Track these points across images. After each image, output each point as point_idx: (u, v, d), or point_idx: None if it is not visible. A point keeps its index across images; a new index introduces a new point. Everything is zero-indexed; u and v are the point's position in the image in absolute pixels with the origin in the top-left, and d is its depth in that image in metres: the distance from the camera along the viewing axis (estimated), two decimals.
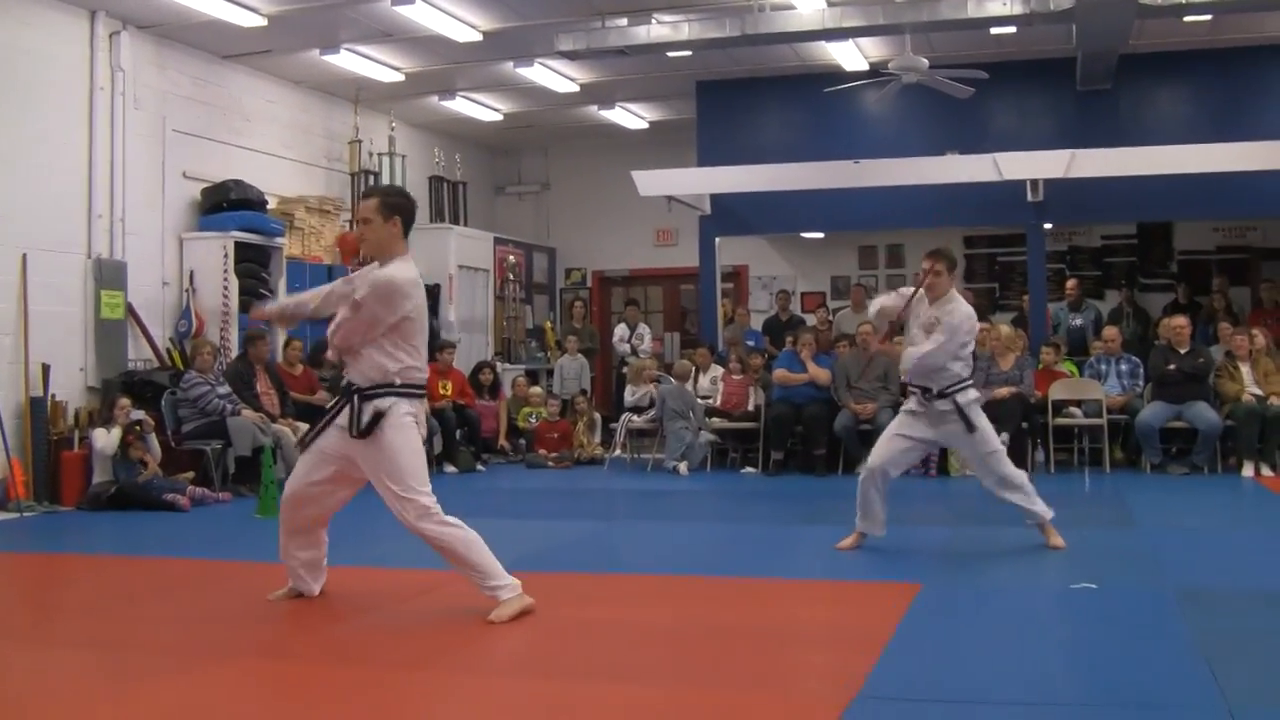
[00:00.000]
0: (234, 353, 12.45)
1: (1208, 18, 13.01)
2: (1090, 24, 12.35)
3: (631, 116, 17.15)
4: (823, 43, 13.68)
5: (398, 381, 5.75)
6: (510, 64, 14.24)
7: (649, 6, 12.60)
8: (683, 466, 12.95)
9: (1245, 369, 12.43)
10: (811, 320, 15.48)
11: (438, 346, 13.94)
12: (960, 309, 7.60)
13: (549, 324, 18.05)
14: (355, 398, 5.73)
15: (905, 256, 17.67)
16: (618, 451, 14.13)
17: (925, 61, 12.63)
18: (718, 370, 13.86)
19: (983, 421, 7.66)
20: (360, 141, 15.56)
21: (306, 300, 6.44)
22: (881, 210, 14.93)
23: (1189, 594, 6.26)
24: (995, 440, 7.80)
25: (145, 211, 12.40)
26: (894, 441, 7.80)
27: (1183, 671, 4.82)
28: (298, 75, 14.54)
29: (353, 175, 15.45)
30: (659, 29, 12.59)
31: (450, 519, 5.73)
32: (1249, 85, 14.60)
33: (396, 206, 5.87)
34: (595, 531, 9.27)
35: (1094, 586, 6.49)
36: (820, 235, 17.37)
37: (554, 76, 14.74)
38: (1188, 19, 12.96)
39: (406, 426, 5.75)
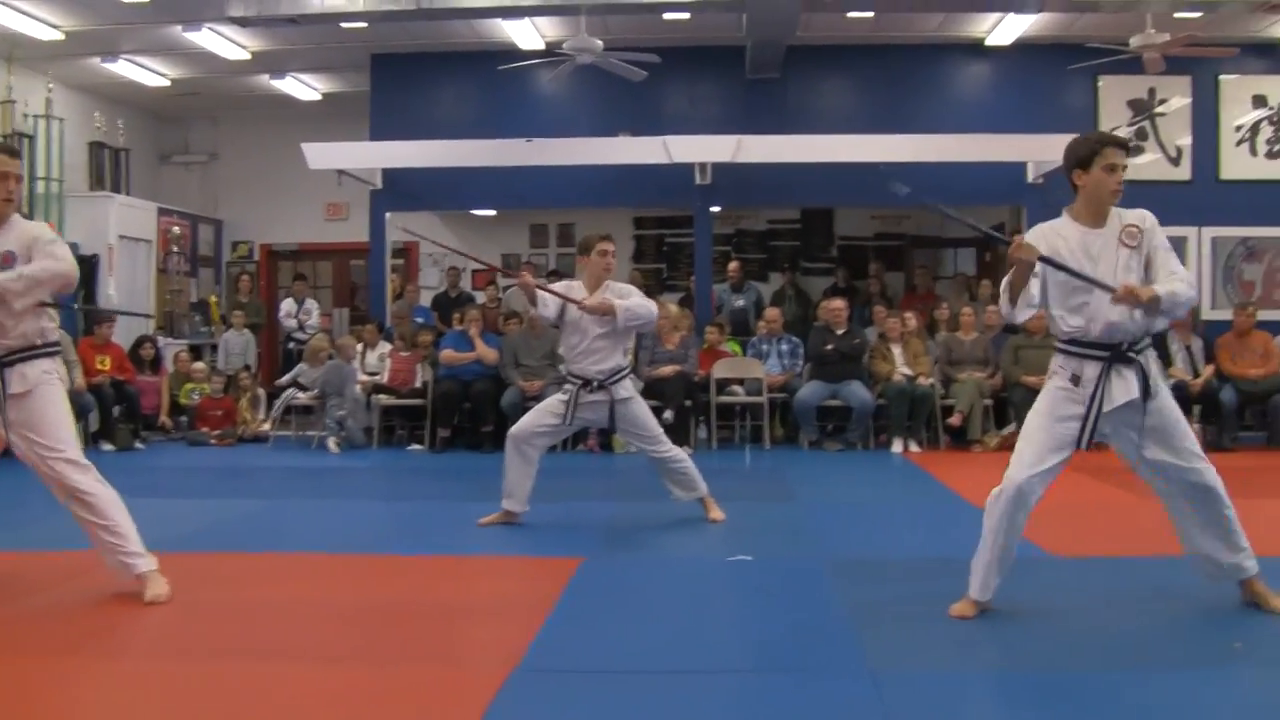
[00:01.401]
0: None
1: (870, 14, 13.63)
2: (760, 14, 12.72)
3: (304, 87, 16.78)
4: (499, 20, 13.69)
5: (40, 341, 5.53)
6: (178, 27, 13.65)
7: None
8: (333, 443, 12.80)
9: (897, 350, 13.02)
10: (481, 298, 15.47)
11: (96, 319, 13.38)
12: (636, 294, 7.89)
13: (214, 298, 17.49)
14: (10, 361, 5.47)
15: (576, 235, 17.79)
16: (268, 427, 13.80)
17: (600, 43, 12.76)
18: (385, 347, 13.71)
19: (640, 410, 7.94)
20: (13, 102, 14.72)
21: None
22: (554, 189, 15.00)
23: (840, 564, 6.54)
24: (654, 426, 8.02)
25: None
26: (542, 416, 7.96)
27: (832, 637, 5.07)
28: None
29: (3, 138, 14.59)
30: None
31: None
32: (907, 80, 15.31)
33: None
34: (258, 510, 9.01)
35: (750, 558, 6.69)
36: (492, 213, 17.37)
37: (224, 43, 14.26)
38: (851, 14, 13.56)
39: (56, 383, 5.55)
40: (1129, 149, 5.29)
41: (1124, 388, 5.14)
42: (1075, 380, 5.20)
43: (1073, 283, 5.13)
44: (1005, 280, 5.26)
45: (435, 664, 4.73)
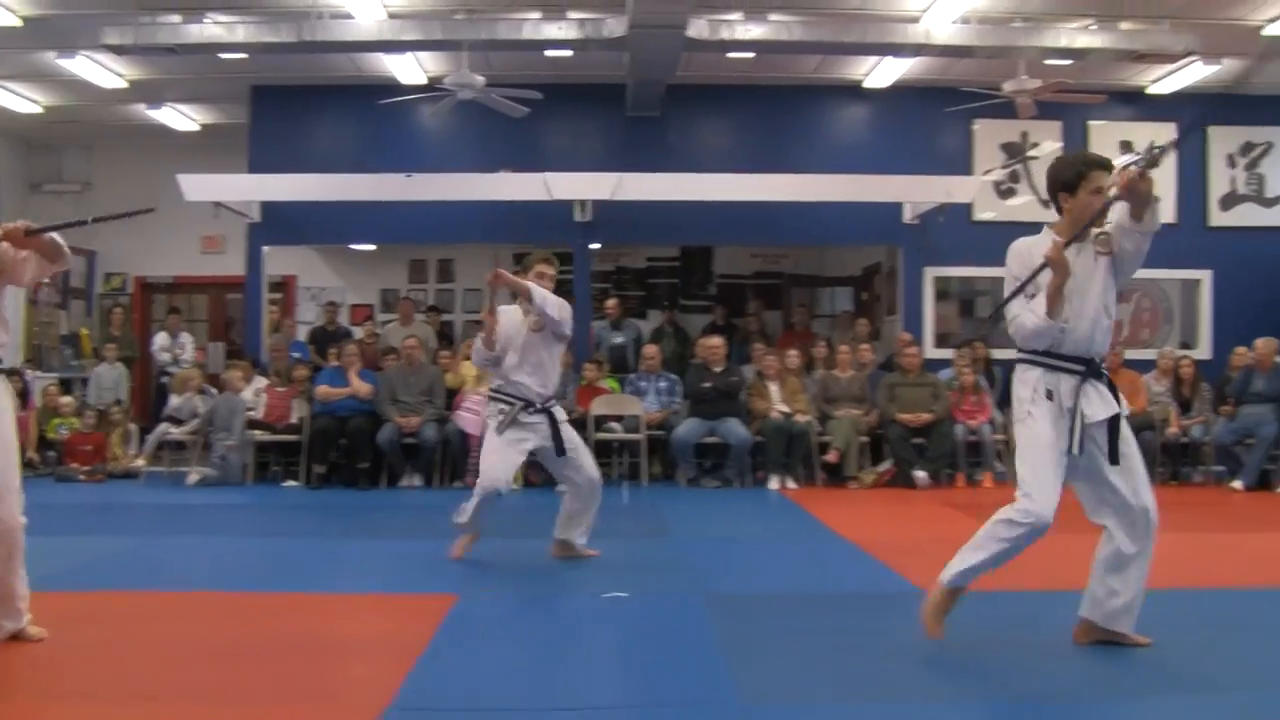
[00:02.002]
0: None
1: (750, 55, 13.76)
2: (641, 53, 12.80)
3: (182, 117, 16.57)
4: (381, 54, 13.63)
5: None
6: (52, 54, 13.49)
7: (203, 5, 12.25)
8: (194, 476, 12.64)
9: (774, 388, 13.11)
10: (359, 333, 15.34)
11: None
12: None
13: (85, 331, 17.14)
14: None
15: (456, 271, 17.82)
16: (141, 462, 13.49)
17: (481, 79, 12.77)
18: (261, 382, 13.53)
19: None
20: None
21: None
22: (433, 224, 14.96)
23: (715, 599, 6.59)
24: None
25: None
26: (510, 457, 7.74)
27: (706, 673, 5.08)
28: None
29: None
30: (212, 29, 12.27)
31: None
32: (786, 121, 15.51)
33: None
34: (129, 548, 8.79)
35: (625, 595, 6.69)
36: (371, 247, 17.26)
37: (100, 70, 14.08)
38: (731, 55, 13.68)
39: None
40: (1112, 168, 5.28)
41: (1102, 404, 5.19)
42: (1050, 395, 5.19)
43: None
44: (1040, 295, 5.18)
45: (308, 703, 4.67)
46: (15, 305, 15.73)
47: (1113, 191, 5.08)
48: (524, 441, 7.67)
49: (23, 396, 13.68)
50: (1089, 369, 5.19)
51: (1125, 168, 5.16)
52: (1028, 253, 5.27)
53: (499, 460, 7.62)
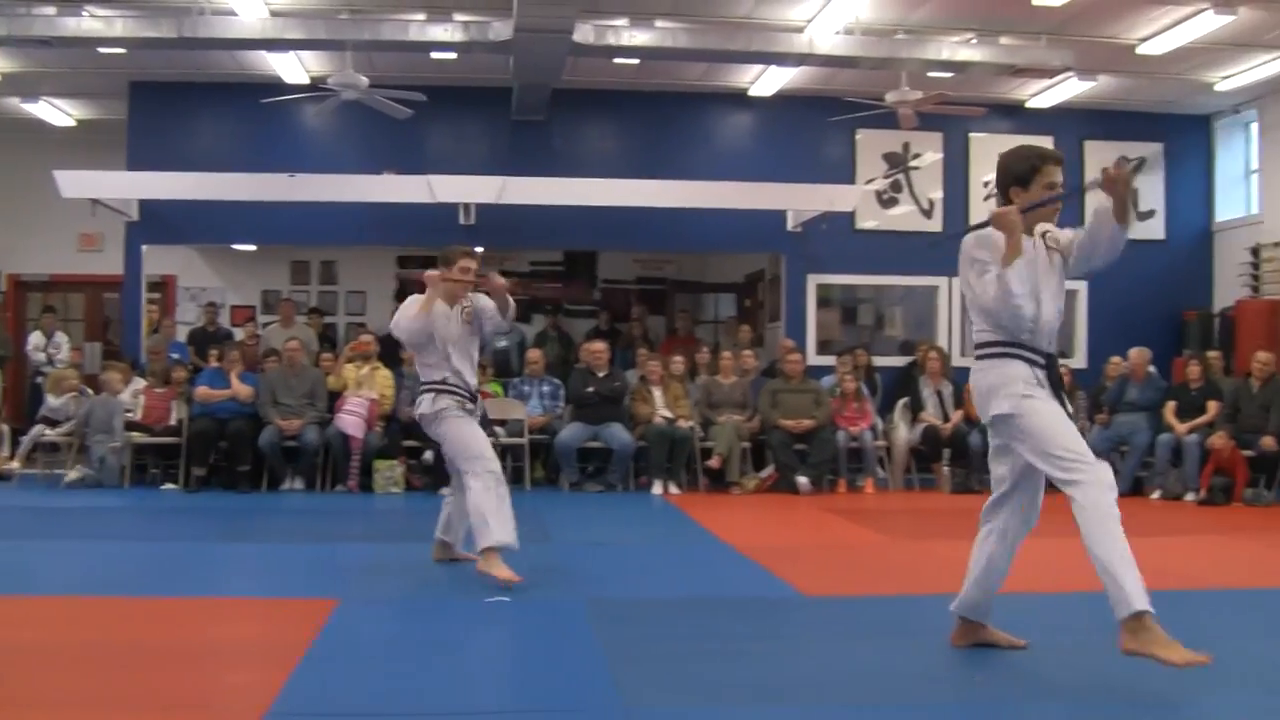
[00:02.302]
0: None
1: (636, 61, 13.80)
2: (527, 57, 12.79)
3: (58, 112, 16.24)
4: (264, 52, 13.47)
5: None
6: None
7: None
8: (74, 474, 12.42)
9: (658, 393, 13.17)
10: (240, 334, 15.15)
11: None
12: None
13: None
14: None
15: (338, 272, 17.68)
16: (16, 465, 13.21)
17: (365, 80, 12.70)
18: (139, 383, 13.31)
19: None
20: None
21: None
22: (316, 226, 14.82)
23: (597, 604, 6.59)
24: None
25: None
26: (477, 431, 7.55)
27: (588, 677, 5.09)
28: None
29: None
30: (90, 22, 12.04)
31: None
32: (671, 127, 15.58)
33: None
34: None
35: (507, 599, 6.67)
36: (253, 248, 17.05)
37: None
38: (617, 60, 13.70)
39: None
40: (1063, 162, 5.29)
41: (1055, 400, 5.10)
42: (1039, 383, 5.06)
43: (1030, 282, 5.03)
44: (998, 267, 5.00)
45: (184, 711, 4.59)
46: None
47: (1099, 177, 5.06)
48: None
49: None
50: (1050, 364, 5.12)
51: (1120, 160, 5.17)
52: (988, 237, 5.12)
53: (483, 441, 7.46)
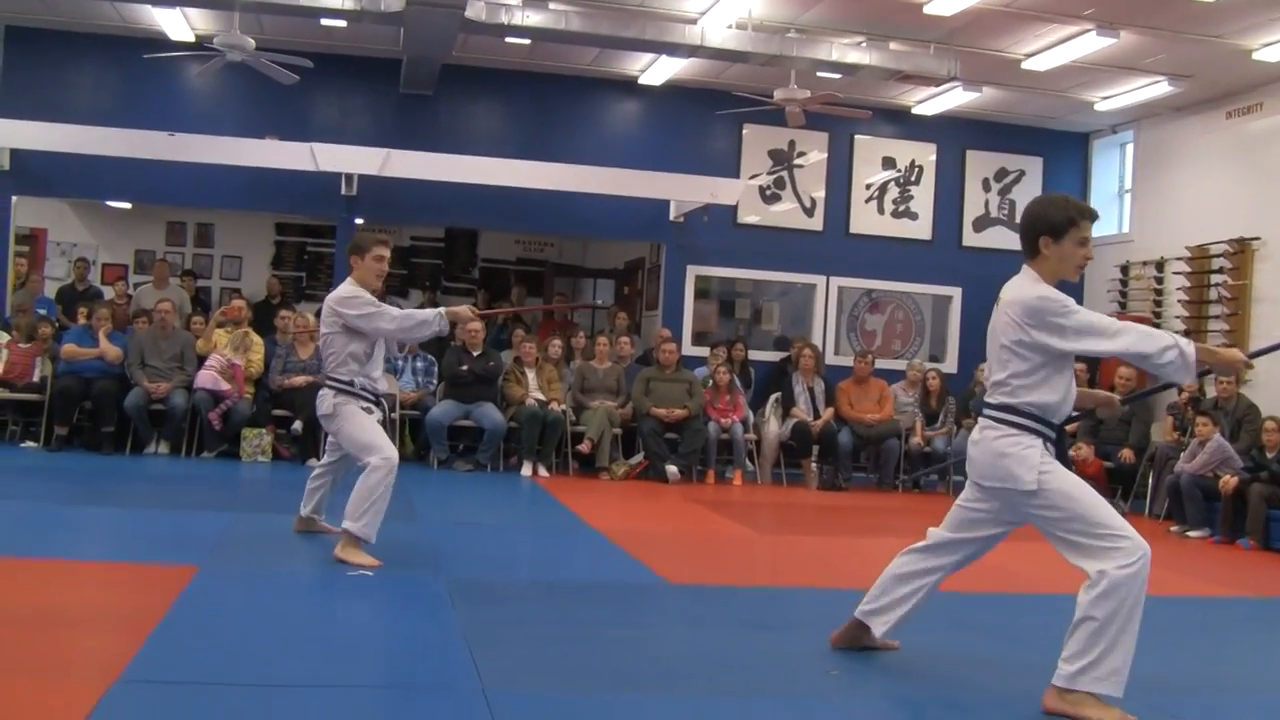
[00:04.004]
0: None
1: (527, 42, 13.75)
2: (417, 30, 12.67)
3: None
4: (149, 6, 13.19)
5: None
6: None
7: None
8: None
9: (531, 375, 13.17)
10: (110, 293, 14.87)
11: None
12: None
13: None
14: None
15: (214, 235, 17.46)
16: None
17: (252, 42, 12.51)
18: (3, 337, 13.00)
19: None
20: None
21: None
22: (194, 187, 14.57)
23: (460, 584, 6.60)
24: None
25: None
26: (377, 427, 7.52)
27: (448, 656, 5.10)
28: None
29: None
30: None
31: None
32: (559, 111, 15.53)
33: None
34: None
35: (370, 574, 6.66)
36: (127, 206, 16.70)
37: None
38: (509, 40, 13.62)
39: None
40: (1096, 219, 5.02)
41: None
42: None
43: (1069, 359, 4.85)
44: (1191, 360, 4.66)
45: (31, 676, 4.48)
46: None
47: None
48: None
49: None
50: (1060, 436, 4.92)
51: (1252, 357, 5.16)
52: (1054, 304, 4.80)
53: (377, 433, 7.37)
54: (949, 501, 5.28)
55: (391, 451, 7.21)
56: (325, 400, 7.39)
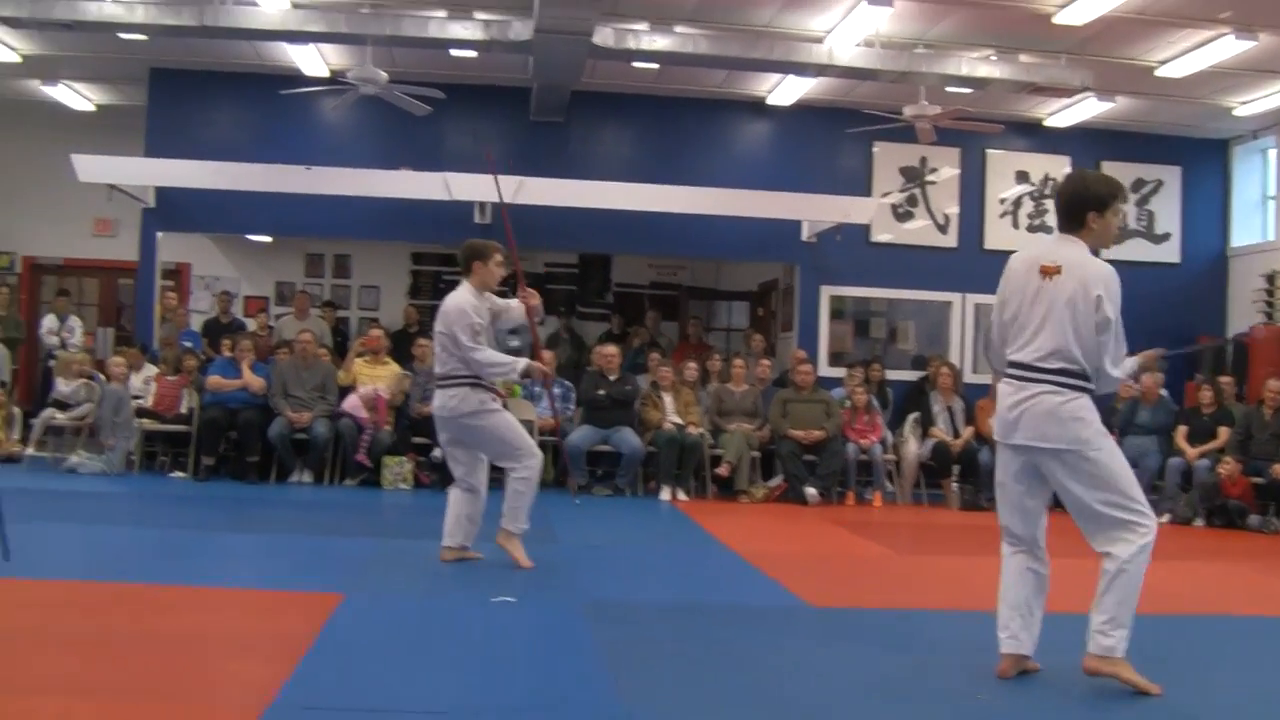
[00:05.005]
0: None
1: (655, 66, 13.77)
2: (546, 57, 12.78)
3: (77, 96, 16.26)
4: (284, 44, 13.47)
5: None
6: None
7: None
8: (80, 457, 12.41)
9: (668, 399, 13.14)
10: (252, 325, 15.14)
11: None
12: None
13: None
14: None
15: (352, 267, 17.65)
16: (30, 450, 13.14)
17: (384, 75, 12.69)
18: (151, 370, 13.31)
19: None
20: None
21: None
22: (331, 219, 14.82)
23: (600, 607, 6.58)
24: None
25: None
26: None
27: (590, 678, 5.09)
28: None
29: None
30: (112, 7, 12.03)
31: None
32: (689, 133, 15.56)
33: None
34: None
35: (513, 600, 6.64)
36: (268, 239, 17.01)
37: None
38: (637, 65, 13.66)
39: None
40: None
41: None
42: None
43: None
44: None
45: (187, 701, 4.54)
46: None
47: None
48: None
49: None
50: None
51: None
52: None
53: (525, 432, 7.77)
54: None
55: (538, 450, 7.60)
56: (467, 398, 7.51)
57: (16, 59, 14.38)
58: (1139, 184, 16.02)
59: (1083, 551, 5.13)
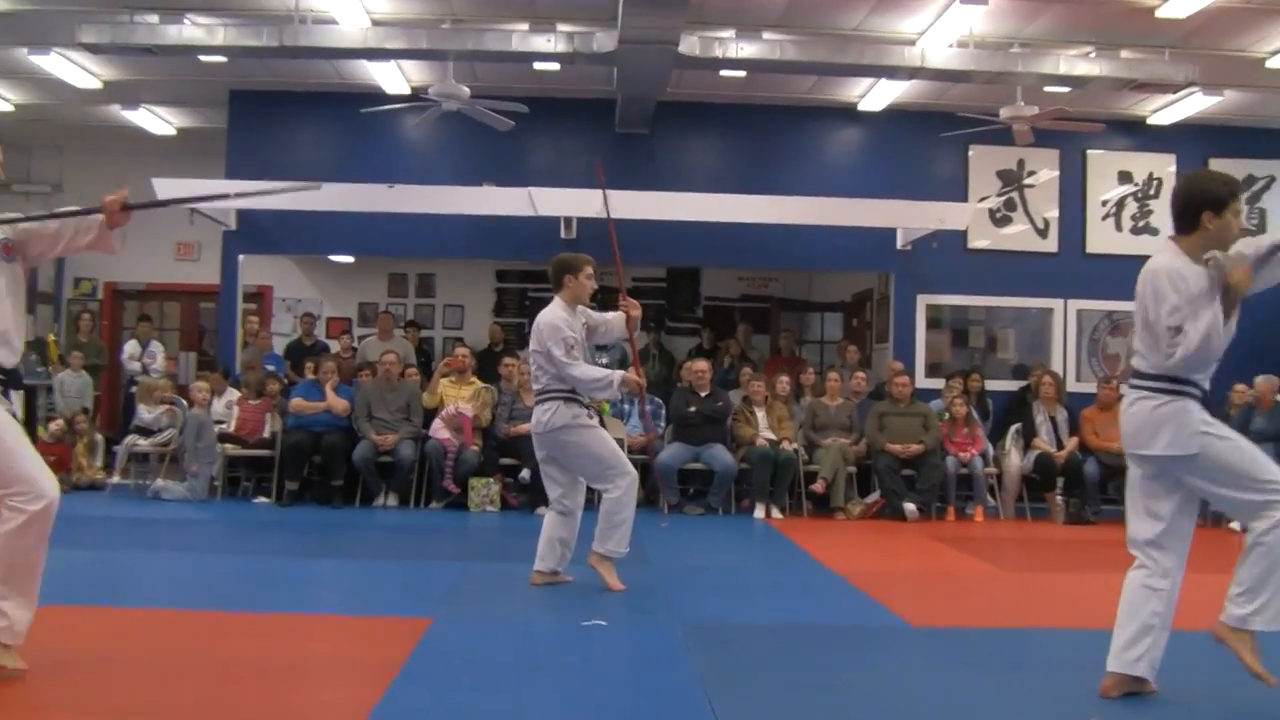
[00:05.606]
0: None
1: (742, 74, 13.54)
2: (631, 68, 12.56)
3: (158, 120, 16.26)
4: (364, 62, 13.33)
5: None
6: (25, 50, 13.16)
7: (182, 6, 11.97)
8: (168, 483, 12.33)
9: (761, 414, 12.84)
10: (335, 347, 15.00)
11: None
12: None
13: (52, 336, 16.68)
14: None
15: (436, 285, 17.53)
16: (116, 478, 13.10)
17: (466, 90, 12.56)
18: (234, 394, 13.18)
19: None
20: None
21: None
22: (414, 237, 14.69)
23: (695, 628, 6.39)
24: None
25: None
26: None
27: (686, 702, 4.94)
28: None
29: None
30: (192, 30, 11.99)
31: None
32: (778, 142, 15.25)
33: None
34: (92, 562, 8.45)
35: (604, 623, 6.45)
36: (350, 259, 16.90)
37: (74, 69, 13.72)
38: (724, 73, 13.44)
39: None
40: None
41: None
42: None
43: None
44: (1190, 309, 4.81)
45: None
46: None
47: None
48: None
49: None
50: (1205, 398, 4.95)
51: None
52: (1180, 276, 4.84)
53: (618, 448, 7.64)
54: (1212, 534, 4.94)
55: (632, 469, 7.46)
56: (560, 412, 7.41)
57: (98, 85, 14.37)
58: (1249, 181, 15.43)
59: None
